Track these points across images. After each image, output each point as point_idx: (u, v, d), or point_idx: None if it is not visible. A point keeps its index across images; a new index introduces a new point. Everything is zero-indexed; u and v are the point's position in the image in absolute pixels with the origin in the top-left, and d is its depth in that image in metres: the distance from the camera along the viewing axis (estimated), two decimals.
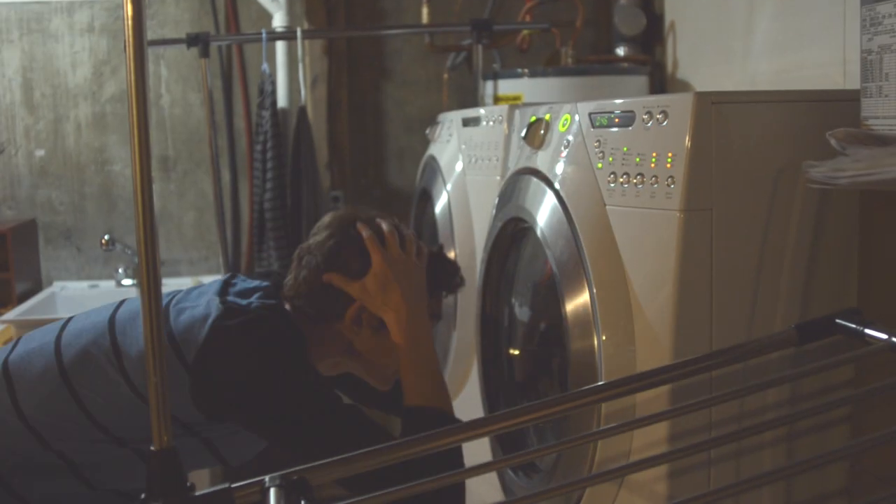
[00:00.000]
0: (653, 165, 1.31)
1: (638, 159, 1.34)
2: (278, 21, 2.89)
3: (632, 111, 1.38)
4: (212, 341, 1.34)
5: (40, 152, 3.00)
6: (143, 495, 0.95)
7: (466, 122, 2.15)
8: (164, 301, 1.42)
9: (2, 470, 1.39)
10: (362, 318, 1.44)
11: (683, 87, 2.69)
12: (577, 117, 1.53)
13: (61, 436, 1.38)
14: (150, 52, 2.90)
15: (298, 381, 1.34)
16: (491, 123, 1.98)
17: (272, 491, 0.95)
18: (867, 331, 1.16)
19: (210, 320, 1.35)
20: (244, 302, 1.41)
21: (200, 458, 1.45)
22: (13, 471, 1.39)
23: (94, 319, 1.44)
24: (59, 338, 1.43)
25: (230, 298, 1.41)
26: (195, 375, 1.33)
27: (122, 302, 1.49)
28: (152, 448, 0.93)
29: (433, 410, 1.37)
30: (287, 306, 1.46)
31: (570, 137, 1.53)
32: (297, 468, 0.99)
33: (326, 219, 1.49)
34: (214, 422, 1.38)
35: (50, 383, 1.37)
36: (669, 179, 1.27)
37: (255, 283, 1.48)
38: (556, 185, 1.53)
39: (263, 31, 2.73)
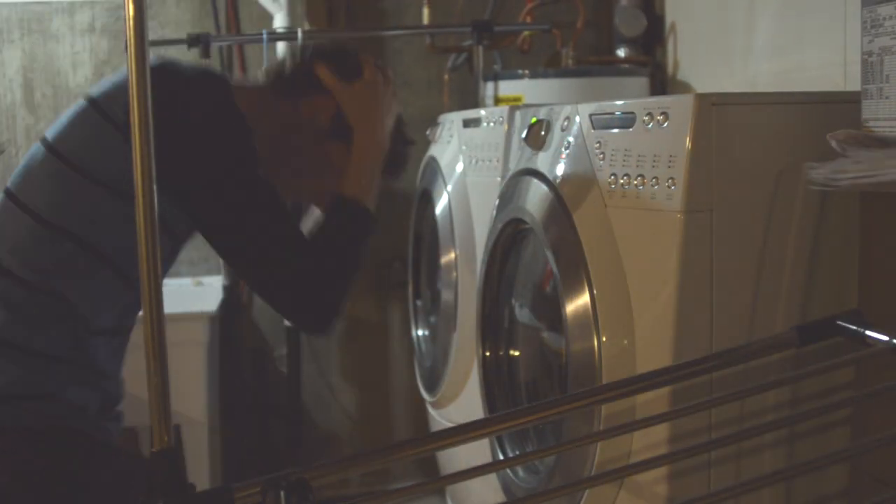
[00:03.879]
0: (653, 167, 1.31)
1: (638, 160, 1.35)
2: (279, 22, 2.89)
3: (632, 112, 1.38)
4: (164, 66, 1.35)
5: None
6: (142, 496, 0.95)
7: (467, 123, 2.15)
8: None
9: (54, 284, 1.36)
10: (318, 106, 1.46)
11: (684, 88, 2.69)
12: (577, 118, 1.53)
13: (75, 218, 1.36)
14: (151, 53, 2.90)
15: (242, 131, 1.34)
16: (491, 124, 1.98)
17: (272, 491, 0.95)
18: (868, 332, 1.15)
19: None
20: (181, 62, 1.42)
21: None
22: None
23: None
24: (6, 188, 1.44)
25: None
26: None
27: None
28: (152, 449, 0.93)
29: (362, 207, 1.44)
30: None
31: (571, 139, 1.53)
32: (297, 469, 0.99)
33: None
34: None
35: (45, 167, 1.37)
36: (670, 181, 1.27)
37: None
38: (557, 187, 1.53)
39: (264, 31, 2.73)
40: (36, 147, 1.43)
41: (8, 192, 1.42)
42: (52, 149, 1.40)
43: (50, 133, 1.43)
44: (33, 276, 1.35)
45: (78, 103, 1.43)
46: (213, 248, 1.39)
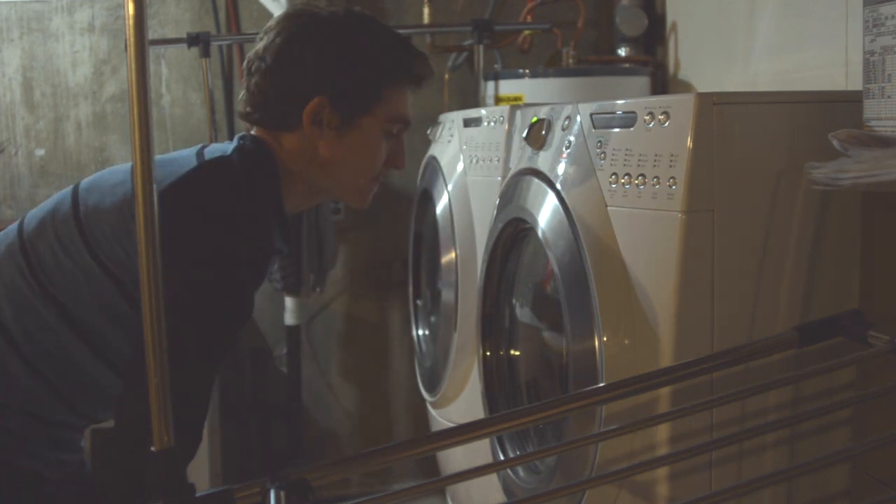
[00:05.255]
0: (654, 166, 1.31)
1: (639, 160, 1.34)
2: None
3: (633, 112, 1.37)
4: (183, 179, 1.26)
5: (40, 152, 2.99)
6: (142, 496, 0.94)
7: (467, 123, 2.15)
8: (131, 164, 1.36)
9: None
10: (322, 117, 1.35)
11: (685, 87, 2.68)
12: (578, 118, 1.53)
13: (25, 334, 1.30)
14: (151, 52, 2.90)
15: (239, 249, 1.25)
16: (492, 124, 1.98)
17: (272, 492, 0.95)
18: (869, 332, 1.15)
19: (185, 168, 1.28)
20: (221, 150, 1.35)
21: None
22: None
23: (60, 192, 1.38)
24: (23, 218, 1.38)
25: (206, 153, 1.35)
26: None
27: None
28: (152, 448, 0.93)
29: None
30: (253, 131, 1.39)
31: (572, 138, 1.53)
32: (298, 470, 0.99)
33: (272, 21, 1.41)
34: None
35: (11, 262, 1.31)
36: (671, 180, 1.27)
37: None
38: (558, 186, 1.53)
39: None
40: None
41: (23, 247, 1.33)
42: (23, 247, 1.32)
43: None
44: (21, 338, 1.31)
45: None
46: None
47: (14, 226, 1.39)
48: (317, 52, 1.35)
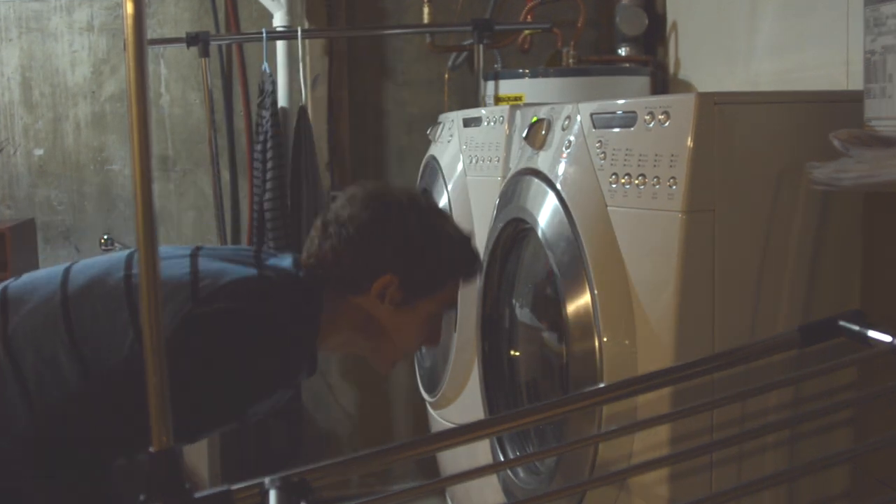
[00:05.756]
0: (655, 166, 1.30)
1: (640, 160, 1.34)
2: (279, 20, 2.88)
3: (634, 112, 1.37)
4: (234, 285, 1.33)
5: (39, 151, 2.99)
6: (142, 497, 0.94)
7: (467, 123, 2.15)
8: (190, 249, 1.44)
9: None
10: (387, 292, 1.43)
11: (685, 87, 2.68)
12: (578, 118, 1.53)
13: (40, 382, 1.31)
14: (150, 52, 2.89)
15: (273, 369, 1.34)
16: (492, 124, 1.98)
17: (272, 492, 0.95)
18: (870, 333, 1.15)
19: (242, 274, 1.36)
20: (278, 267, 1.43)
21: None
22: None
23: (112, 255, 1.43)
24: (69, 268, 1.41)
25: (266, 265, 1.42)
26: (199, 304, 1.30)
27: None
28: (151, 449, 0.92)
29: None
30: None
31: (572, 138, 1.53)
32: (298, 470, 0.98)
33: (355, 190, 1.49)
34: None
35: (48, 311, 1.33)
36: (671, 180, 1.27)
37: (287, 257, 1.49)
38: (558, 186, 1.53)
39: (264, 30, 2.72)
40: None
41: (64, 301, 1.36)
42: (65, 301, 1.36)
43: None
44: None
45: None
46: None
47: (57, 274, 1.40)
48: (399, 237, 1.44)
